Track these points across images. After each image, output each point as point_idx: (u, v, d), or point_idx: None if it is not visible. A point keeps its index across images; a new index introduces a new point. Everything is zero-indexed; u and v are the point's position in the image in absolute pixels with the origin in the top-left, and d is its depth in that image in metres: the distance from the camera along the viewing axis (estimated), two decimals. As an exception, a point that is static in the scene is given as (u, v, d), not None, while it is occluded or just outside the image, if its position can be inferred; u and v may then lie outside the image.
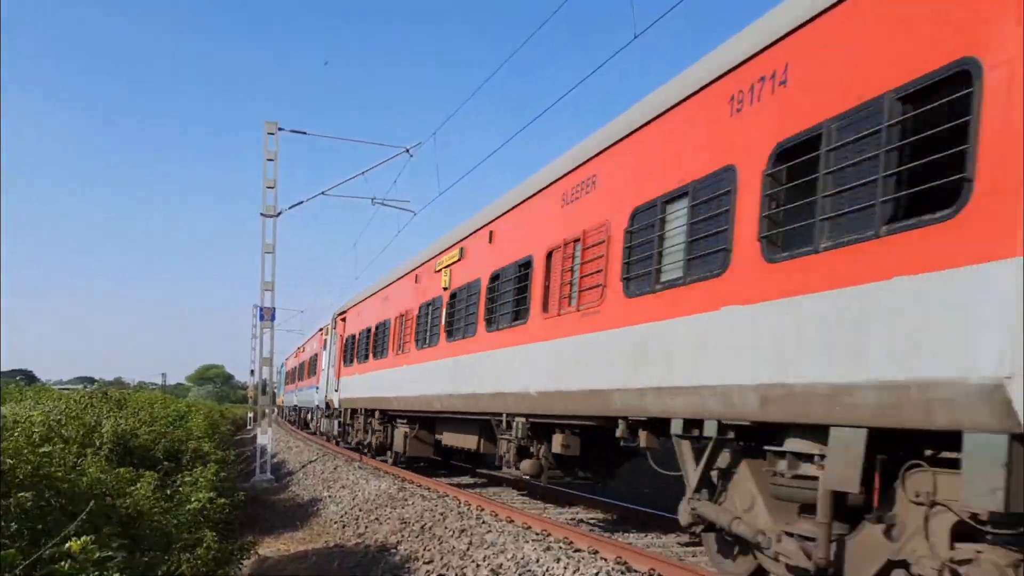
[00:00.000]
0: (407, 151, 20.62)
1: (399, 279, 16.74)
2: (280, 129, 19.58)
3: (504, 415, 10.29)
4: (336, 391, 23.02)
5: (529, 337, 9.29)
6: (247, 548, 8.33)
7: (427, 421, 15.55)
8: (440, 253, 13.61)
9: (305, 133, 20.80)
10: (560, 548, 7.97)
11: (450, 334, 12.45)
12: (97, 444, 9.24)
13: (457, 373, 11.88)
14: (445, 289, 12.89)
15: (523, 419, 9.81)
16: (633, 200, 7.28)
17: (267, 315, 19.86)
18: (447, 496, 12.47)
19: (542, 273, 9.09)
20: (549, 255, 8.98)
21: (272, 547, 11.25)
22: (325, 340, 27.21)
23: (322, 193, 22.06)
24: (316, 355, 31.12)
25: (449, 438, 14.03)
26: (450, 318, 12.55)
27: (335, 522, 12.42)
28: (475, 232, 11.89)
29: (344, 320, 23.08)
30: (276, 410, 48.95)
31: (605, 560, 7.38)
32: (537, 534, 8.91)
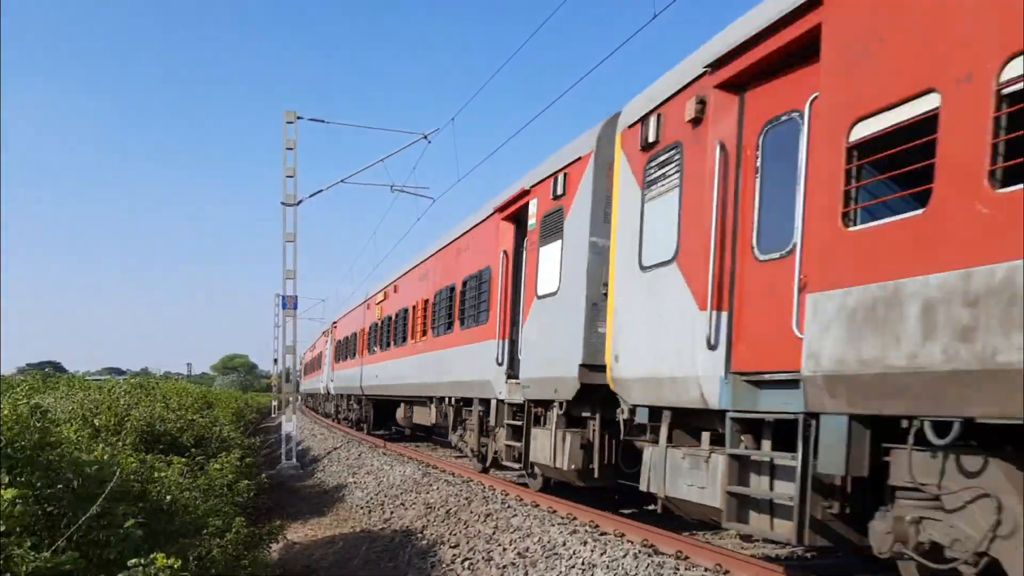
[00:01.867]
0: (425, 137, 20.58)
1: None
2: (299, 118, 19.61)
3: None
4: None
5: None
6: (275, 533, 8.42)
7: None
8: None
9: (324, 122, 20.84)
10: (586, 531, 7.96)
11: None
12: (121, 432, 9.36)
13: None
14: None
15: None
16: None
17: (290, 303, 20.01)
18: (471, 481, 12.50)
19: None
20: None
21: (300, 532, 11.37)
22: None
23: (341, 181, 22.13)
24: None
25: None
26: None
27: (361, 508, 12.52)
28: None
29: None
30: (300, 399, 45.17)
31: (632, 543, 7.36)
32: (563, 518, 8.90)
